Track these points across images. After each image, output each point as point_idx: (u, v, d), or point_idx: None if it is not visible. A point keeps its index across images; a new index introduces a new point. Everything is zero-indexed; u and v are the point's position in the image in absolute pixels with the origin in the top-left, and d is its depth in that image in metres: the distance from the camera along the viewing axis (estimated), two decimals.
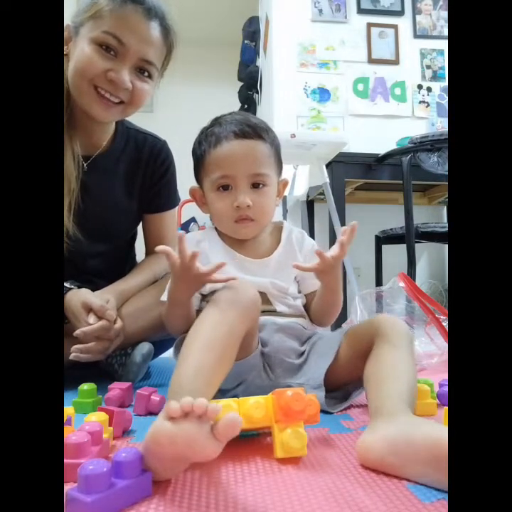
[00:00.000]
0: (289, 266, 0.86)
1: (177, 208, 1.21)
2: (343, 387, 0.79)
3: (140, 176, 1.10)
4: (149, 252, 1.18)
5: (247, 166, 0.81)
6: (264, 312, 0.81)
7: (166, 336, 0.94)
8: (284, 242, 0.90)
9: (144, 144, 1.11)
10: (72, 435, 0.52)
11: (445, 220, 2.61)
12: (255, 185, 0.83)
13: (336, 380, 0.77)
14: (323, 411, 0.72)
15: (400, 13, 2.66)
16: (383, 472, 0.51)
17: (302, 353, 0.81)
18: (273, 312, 0.83)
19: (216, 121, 0.86)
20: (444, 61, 2.65)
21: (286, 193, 1.02)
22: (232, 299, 0.66)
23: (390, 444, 0.50)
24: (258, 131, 0.83)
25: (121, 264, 1.15)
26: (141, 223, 1.18)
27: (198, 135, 0.89)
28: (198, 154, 0.87)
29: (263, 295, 0.83)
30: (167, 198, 1.16)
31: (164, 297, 0.88)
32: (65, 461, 0.49)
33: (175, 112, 4.34)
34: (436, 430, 0.48)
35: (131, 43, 0.90)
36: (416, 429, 0.49)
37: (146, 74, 0.96)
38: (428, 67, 2.65)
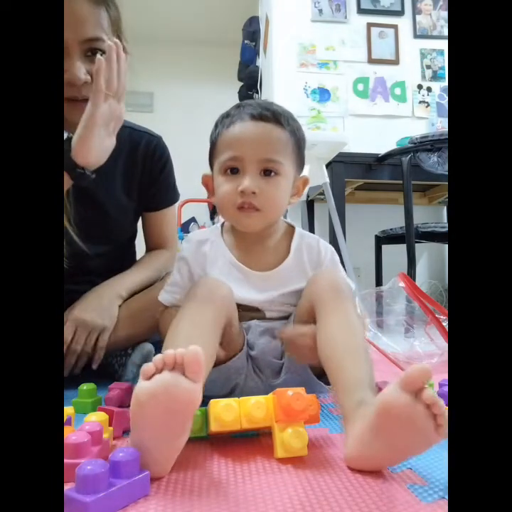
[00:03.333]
0: (296, 279, 0.81)
1: (176, 204, 1.20)
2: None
3: (138, 174, 1.09)
4: (150, 249, 1.18)
5: (257, 149, 0.74)
6: (251, 317, 0.80)
7: None
8: (293, 252, 0.83)
9: (140, 142, 1.09)
10: (72, 435, 0.52)
11: (445, 220, 2.61)
12: (266, 173, 0.75)
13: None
14: (323, 409, 0.73)
15: (400, 13, 2.66)
16: (382, 472, 0.51)
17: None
18: (260, 316, 0.81)
19: (236, 105, 0.81)
20: (444, 61, 2.65)
21: None
22: (205, 296, 0.67)
23: (358, 458, 0.51)
24: (277, 116, 0.76)
25: (122, 262, 1.14)
26: (140, 221, 1.18)
27: (216, 119, 0.83)
28: (212, 138, 0.82)
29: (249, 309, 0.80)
30: (166, 195, 1.15)
31: (161, 297, 0.86)
32: (64, 461, 0.49)
33: (175, 112, 4.34)
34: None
35: None
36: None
37: (99, 53, 0.85)
38: (428, 67, 2.65)
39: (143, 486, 0.46)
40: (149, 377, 0.48)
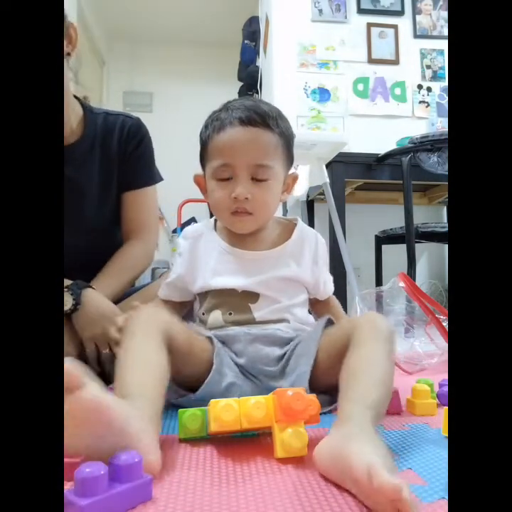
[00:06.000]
0: (293, 264, 0.83)
1: (155, 189, 1.14)
2: (329, 389, 0.72)
3: (115, 156, 1.07)
4: (127, 236, 1.12)
5: (248, 155, 0.76)
6: (241, 322, 0.79)
7: None
8: (296, 238, 0.85)
9: (115, 123, 1.08)
10: None
11: (445, 220, 2.61)
12: (257, 178, 0.77)
13: (320, 382, 0.73)
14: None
15: (400, 13, 2.66)
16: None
17: (282, 357, 0.77)
18: (250, 321, 0.79)
19: (225, 106, 0.81)
20: (444, 61, 2.65)
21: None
22: (141, 325, 0.67)
23: (331, 457, 0.48)
24: (266, 120, 0.77)
25: (103, 255, 1.09)
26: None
27: (206, 119, 0.83)
28: (202, 139, 0.83)
29: (243, 302, 0.80)
30: (141, 174, 1.11)
31: (161, 293, 0.89)
32: None
33: (174, 112, 4.34)
34: (354, 452, 0.44)
35: None
36: (346, 445, 0.46)
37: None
38: (428, 67, 2.65)
39: (144, 490, 0.45)
40: None
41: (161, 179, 1.17)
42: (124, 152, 1.08)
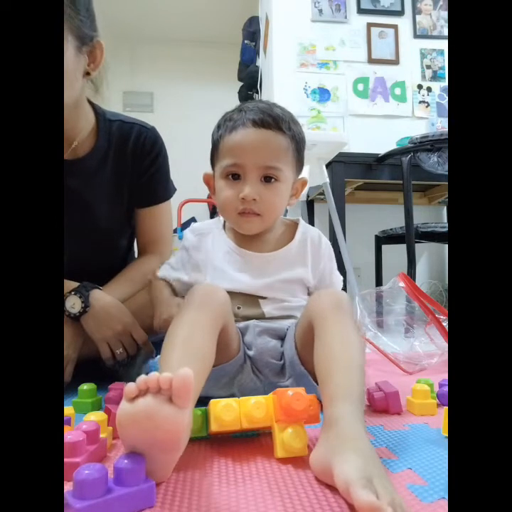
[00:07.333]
0: (297, 265, 0.84)
1: (172, 201, 1.13)
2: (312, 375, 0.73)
3: (128, 168, 1.03)
4: (142, 250, 1.12)
5: (259, 156, 0.76)
6: (250, 317, 0.79)
7: None
8: (298, 239, 0.85)
9: (130, 133, 1.03)
10: (67, 434, 0.51)
11: (445, 220, 2.61)
12: (266, 179, 0.78)
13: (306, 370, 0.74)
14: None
15: (400, 13, 2.66)
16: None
17: (283, 353, 0.78)
18: (260, 316, 0.80)
19: (238, 107, 0.82)
20: (444, 61, 2.66)
21: None
22: (202, 301, 0.66)
23: (321, 469, 0.49)
24: (279, 123, 0.77)
25: (111, 264, 1.09)
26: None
27: (219, 119, 0.84)
28: (214, 139, 0.83)
29: (252, 298, 0.80)
30: (157, 190, 1.08)
31: (161, 272, 0.88)
32: None
33: (175, 112, 4.34)
34: (336, 468, 0.44)
35: None
36: (330, 458, 0.46)
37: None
38: (428, 67, 2.65)
39: (146, 495, 0.43)
40: (132, 400, 0.45)
41: (175, 190, 1.15)
42: (140, 166, 1.04)
